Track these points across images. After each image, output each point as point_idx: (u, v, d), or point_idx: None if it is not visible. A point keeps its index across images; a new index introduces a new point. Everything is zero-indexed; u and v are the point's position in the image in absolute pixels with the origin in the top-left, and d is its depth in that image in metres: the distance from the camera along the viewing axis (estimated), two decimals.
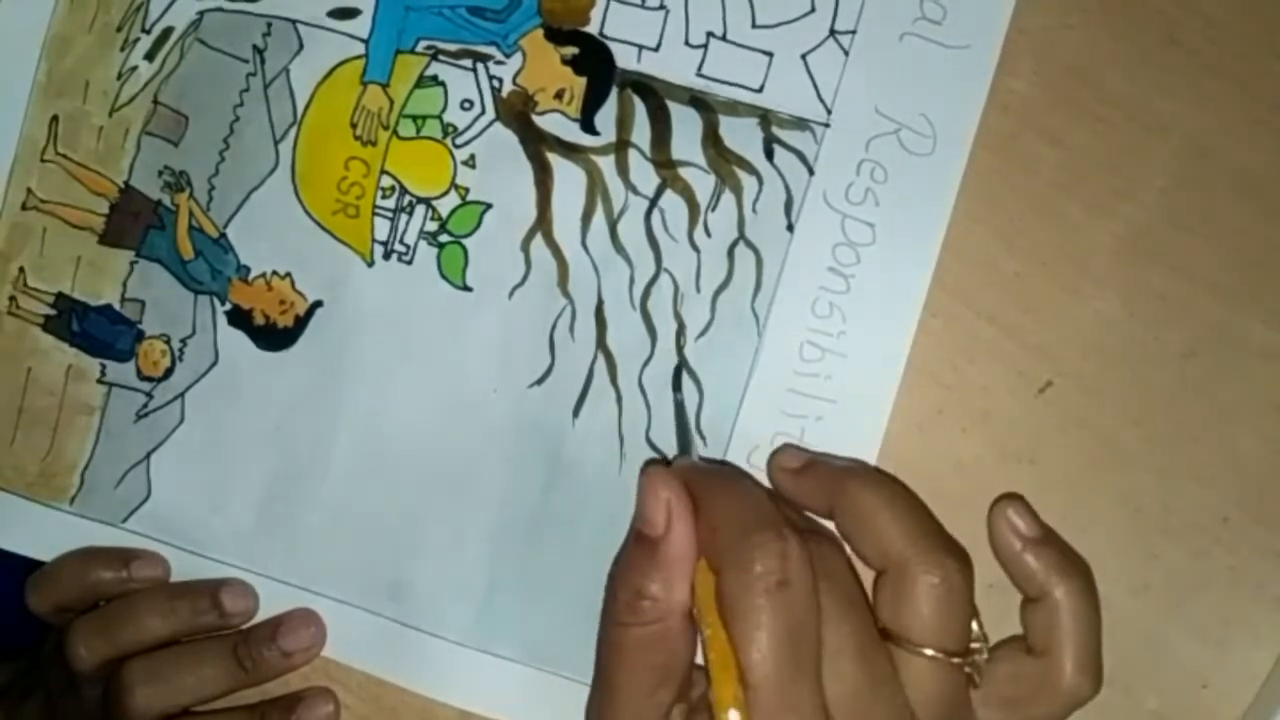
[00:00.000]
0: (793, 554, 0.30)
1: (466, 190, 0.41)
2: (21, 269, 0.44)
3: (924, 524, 0.33)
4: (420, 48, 0.41)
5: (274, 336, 0.43)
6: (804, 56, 0.39)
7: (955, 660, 0.32)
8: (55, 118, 0.44)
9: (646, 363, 0.40)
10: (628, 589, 0.32)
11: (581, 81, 0.40)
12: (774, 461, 0.37)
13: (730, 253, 0.40)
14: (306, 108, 0.42)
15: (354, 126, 0.42)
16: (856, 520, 0.34)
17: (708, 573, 0.32)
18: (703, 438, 0.40)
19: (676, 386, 0.40)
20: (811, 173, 0.39)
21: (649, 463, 0.40)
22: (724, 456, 0.39)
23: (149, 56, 0.43)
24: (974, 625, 0.33)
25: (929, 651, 0.32)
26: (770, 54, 0.39)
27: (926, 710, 0.31)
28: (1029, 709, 0.34)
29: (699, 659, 0.32)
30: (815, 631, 0.30)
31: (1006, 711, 0.34)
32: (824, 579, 0.31)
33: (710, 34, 0.40)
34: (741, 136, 0.40)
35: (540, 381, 0.41)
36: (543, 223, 0.41)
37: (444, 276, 0.42)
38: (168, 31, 0.43)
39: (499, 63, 0.41)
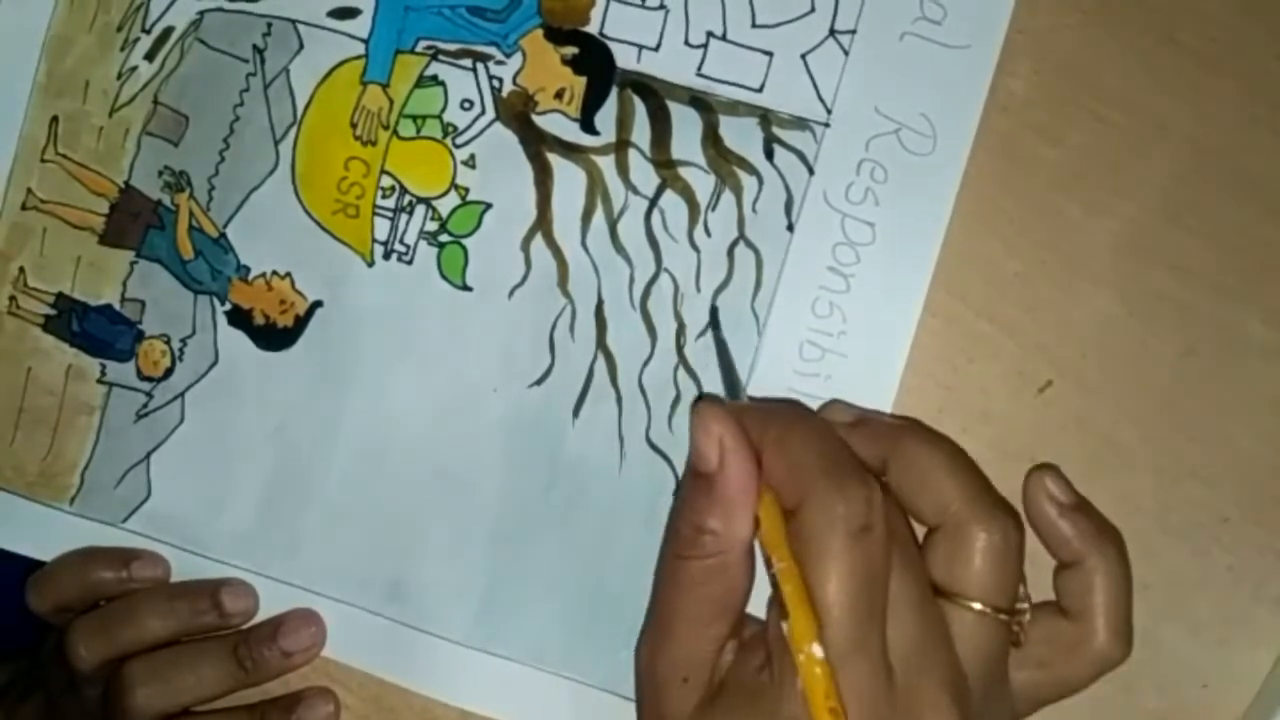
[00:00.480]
0: (876, 500, 0.31)
1: (466, 190, 0.41)
2: (21, 269, 0.44)
3: (980, 482, 0.34)
4: (420, 47, 0.42)
5: (274, 336, 0.43)
6: (804, 56, 0.39)
7: (1003, 617, 0.32)
8: (55, 118, 0.44)
9: (646, 362, 0.40)
10: (688, 524, 0.33)
11: (581, 81, 0.40)
12: (824, 414, 0.37)
13: (730, 252, 0.40)
14: (306, 108, 0.42)
15: (354, 126, 0.42)
16: (913, 476, 0.34)
17: (773, 507, 0.32)
18: None
19: (715, 324, 0.40)
20: (811, 172, 0.39)
21: (699, 398, 0.40)
22: None
23: (149, 56, 0.43)
24: (1020, 587, 0.34)
25: (979, 606, 0.32)
26: (770, 54, 0.39)
27: (972, 664, 0.32)
28: (1061, 670, 0.34)
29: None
30: (887, 579, 0.31)
31: (1038, 672, 0.34)
32: (893, 531, 0.32)
33: (710, 34, 0.40)
34: (741, 136, 0.40)
35: (540, 381, 0.41)
36: (543, 223, 0.41)
37: (444, 276, 0.42)
38: (168, 31, 0.43)
39: (499, 62, 0.41)
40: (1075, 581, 0.35)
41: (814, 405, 0.39)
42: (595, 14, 0.40)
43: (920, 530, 0.34)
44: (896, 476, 0.34)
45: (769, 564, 0.32)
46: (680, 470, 0.40)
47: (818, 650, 0.30)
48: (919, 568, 0.32)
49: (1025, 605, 0.34)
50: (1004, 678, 0.34)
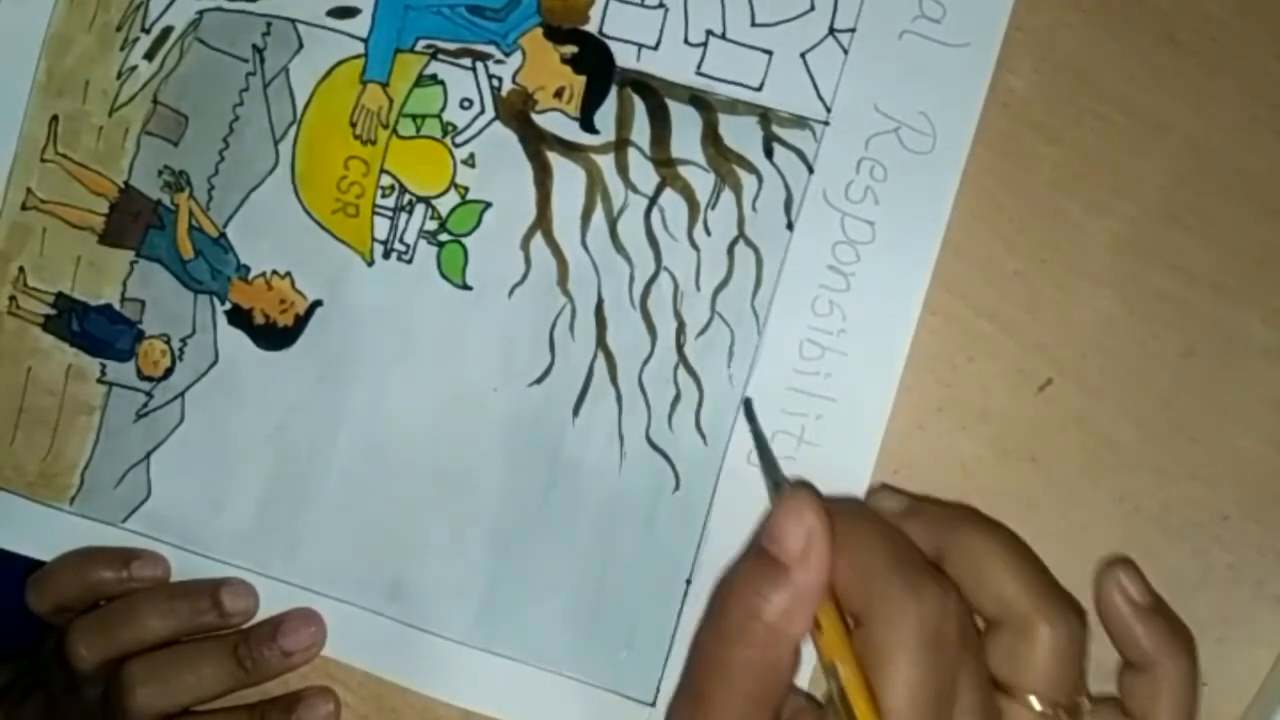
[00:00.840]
0: (951, 608, 0.30)
1: (466, 189, 0.41)
2: (21, 269, 0.45)
3: (1042, 575, 0.33)
4: (420, 47, 0.42)
5: (274, 336, 0.43)
6: (803, 55, 0.39)
7: (1063, 716, 0.32)
8: (55, 117, 0.44)
9: (646, 361, 0.40)
10: (743, 609, 0.31)
11: (581, 80, 0.40)
12: (872, 502, 0.37)
13: (730, 251, 0.40)
14: (306, 107, 0.42)
15: (354, 126, 0.42)
16: (971, 568, 0.33)
17: (835, 611, 0.31)
18: (703, 437, 0.40)
19: (751, 416, 0.39)
20: (811, 171, 0.39)
21: (793, 484, 0.37)
22: (724, 456, 0.39)
23: (149, 56, 0.43)
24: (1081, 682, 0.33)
25: (1038, 705, 0.31)
26: (770, 52, 0.39)
27: None
28: None
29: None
30: (955, 688, 0.30)
31: None
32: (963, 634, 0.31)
33: (710, 32, 0.40)
34: (741, 135, 0.40)
35: (540, 380, 0.41)
36: (542, 221, 0.41)
37: (444, 275, 0.42)
38: (167, 31, 0.43)
39: (498, 61, 0.41)
40: (1143, 685, 0.34)
41: (814, 404, 0.39)
42: (595, 13, 0.40)
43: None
44: (954, 569, 0.33)
45: (829, 671, 0.31)
46: (682, 471, 0.40)
47: None
48: (983, 668, 0.31)
49: (1086, 704, 0.33)
50: None
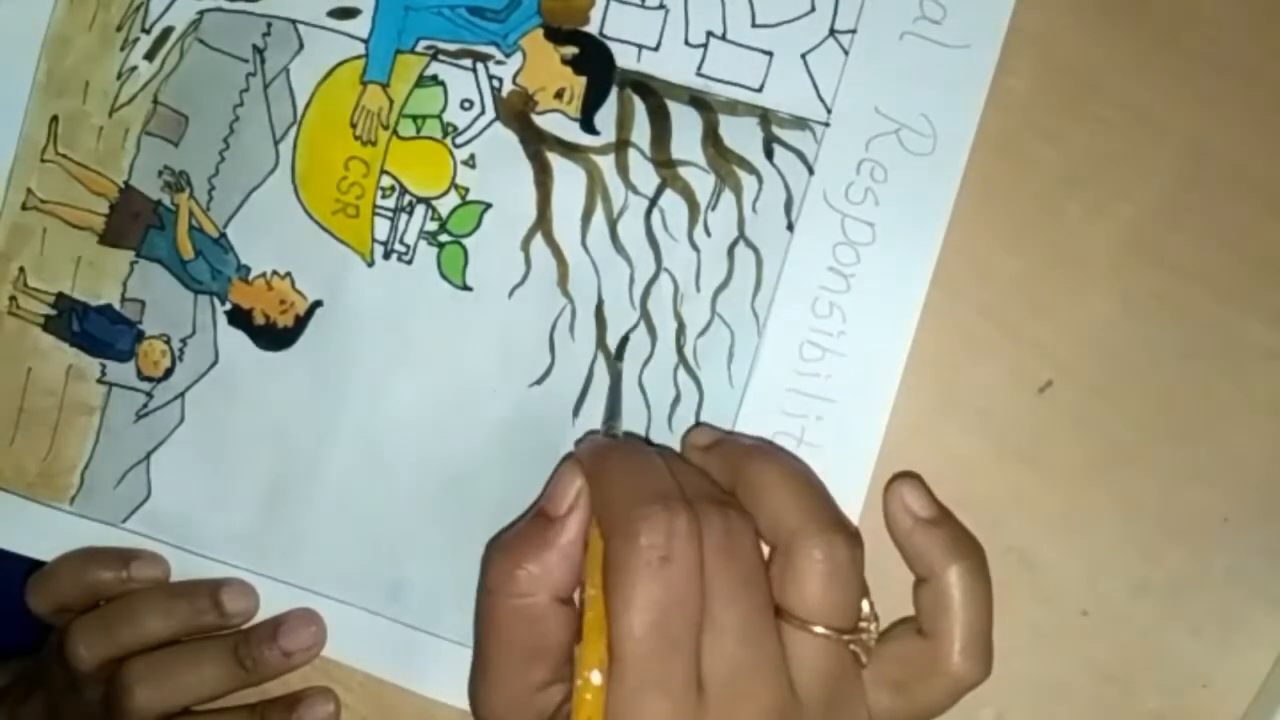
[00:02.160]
0: (679, 529, 0.31)
1: (466, 190, 0.41)
2: (21, 269, 0.44)
3: (816, 501, 0.33)
4: (420, 47, 0.41)
5: (274, 336, 0.43)
6: (804, 56, 0.39)
7: (843, 638, 0.32)
8: (55, 118, 0.44)
9: (646, 362, 0.40)
10: (508, 558, 0.33)
11: (581, 81, 0.40)
12: (686, 439, 0.38)
13: (730, 252, 0.40)
14: (306, 107, 0.42)
15: (354, 126, 0.42)
16: (752, 495, 0.34)
17: (596, 537, 0.33)
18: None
19: (619, 355, 0.40)
20: (811, 172, 0.39)
21: (581, 440, 0.40)
22: None
23: (149, 56, 0.43)
24: (865, 605, 0.33)
25: (817, 628, 0.32)
26: (770, 53, 0.39)
27: (813, 687, 0.32)
28: (916, 693, 0.34)
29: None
30: (694, 608, 0.30)
31: (895, 693, 0.34)
32: (724, 555, 0.31)
33: (710, 33, 0.40)
34: (741, 136, 0.40)
35: (540, 381, 0.41)
36: (543, 222, 0.41)
37: (444, 276, 0.42)
38: (167, 31, 0.43)
39: (499, 62, 0.41)
40: (930, 597, 0.34)
41: (814, 405, 0.39)
42: (595, 14, 0.40)
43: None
44: (741, 496, 0.34)
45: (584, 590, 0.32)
46: None
47: (595, 677, 0.30)
48: (753, 593, 0.32)
49: (868, 624, 0.33)
50: (853, 700, 0.33)
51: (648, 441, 0.40)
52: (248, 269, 0.43)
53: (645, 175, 0.40)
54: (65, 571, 0.43)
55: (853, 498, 0.38)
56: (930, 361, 0.39)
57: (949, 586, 0.34)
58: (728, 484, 0.35)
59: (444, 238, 0.42)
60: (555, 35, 0.41)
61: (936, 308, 0.38)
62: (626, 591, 0.30)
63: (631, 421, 0.40)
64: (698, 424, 0.39)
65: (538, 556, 0.33)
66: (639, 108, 0.40)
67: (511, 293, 0.41)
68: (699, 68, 0.40)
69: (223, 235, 0.43)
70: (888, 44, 0.39)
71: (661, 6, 0.40)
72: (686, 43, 0.40)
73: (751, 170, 0.40)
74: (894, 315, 0.38)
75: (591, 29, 0.40)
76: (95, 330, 0.44)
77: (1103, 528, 0.38)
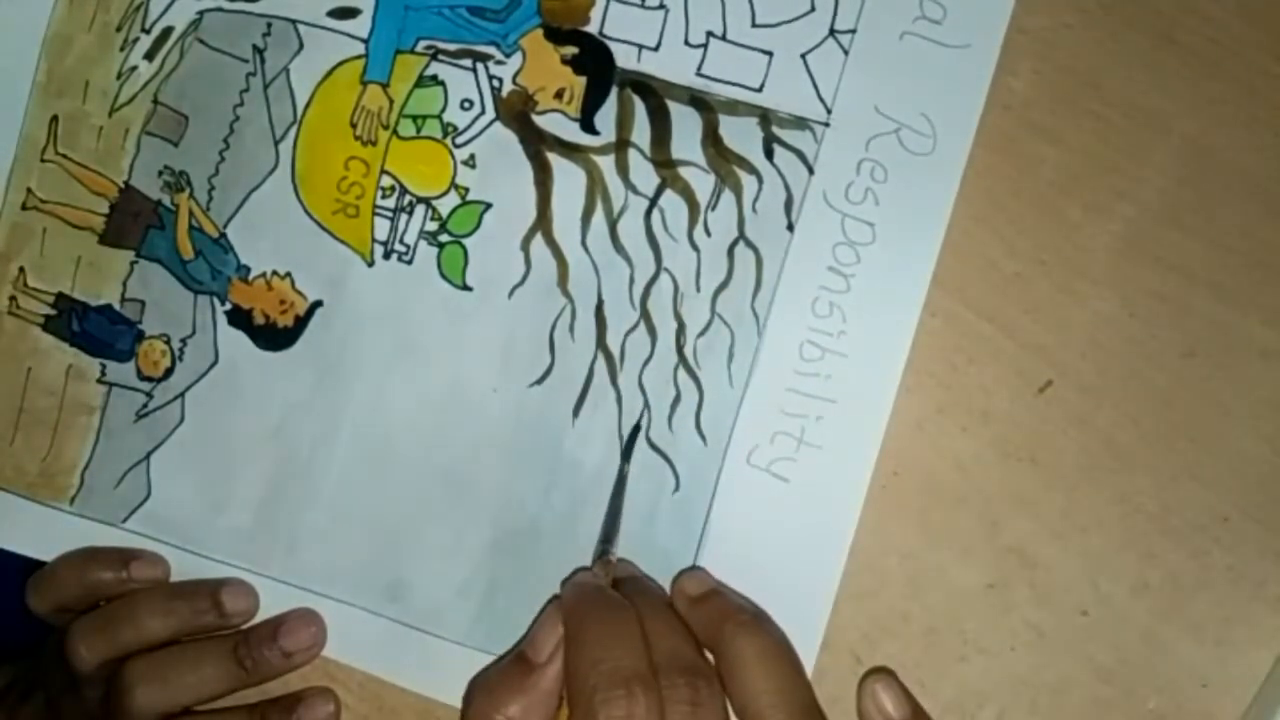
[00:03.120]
0: (637, 715, 0.32)
1: (466, 190, 0.41)
2: (21, 269, 0.44)
3: (789, 685, 0.34)
4: (420, 47, 0.42)
5: (274, 336, 0.43)
6: (804, 56, 0.39)
7: None
8: (55, 118, 0.44)
9: (646, 362, 0.40)
10: (489, 700, 0.35)
11: (581, 81, 0.40)
12: (677, 582, 0.38)
13: (730, 252, 0.40)
14: (306, 107, 0.42)
15: (354, 126, 0.42)
16: (728, 666, 0.34)
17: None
18: (703, 437, 0.40)
19: (626, 456, 0.40)
20: (811, 172, 0.39)
21: (570, 578, 0.40)
22: (724, 456, 0.39)
23: (149, 56, 0.43)
24: None
25: None
26: (770, 53, 0.39)
27: None
28: None
29: None
30: None
31: None
32: None
33: (710, 33, 0.40)
34: (741, 136, 0.40)
35: (540, 381, 0.41)
36: (542, 222, 0.41)
37: (444, 276, 0.42)
38: (167, 31, 0.43)
39: (499, 62, 0.41)
40: None
41: (814, 405, 0.39)
42: (595, 14, 0.40)
43: None
44: (718, 662, 0.34)
45: None
46: (682, 471, 0.40)
47: None
48: None
49: None
50: None
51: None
52: (248, 269, 0.43)
53: (645, 175, 0.40)
54: (65, 571, 0.43)
55: (852, 498, 0.38)
56: (930, 361, 0.39)
57: None
58: (707, 642, 0.35)
59: (444, 238, 0.42)
60: (555, 35, 0.41)
61: (936, 307, 0.38)
62: None
63: (631, 421, 0.40)
64: (693, 569, 0.39)
65: (517, 700, 0.35)
66: (639, 108, 0.40)
67: (511, 293, 0.41)
68: (699, 68, 0.40)
69: (223, 235, 0.43)
70: (888, 44, 0.39)
71: (661, 6, 0.40)
72: (686, 43, 0.40)
73: (751, 170, 0.40)
74: (894, 315, 0.38)
75: (591, 29, 0.40)
76: (95, 330, 0.44)
77: (1103, 528, 0.38)
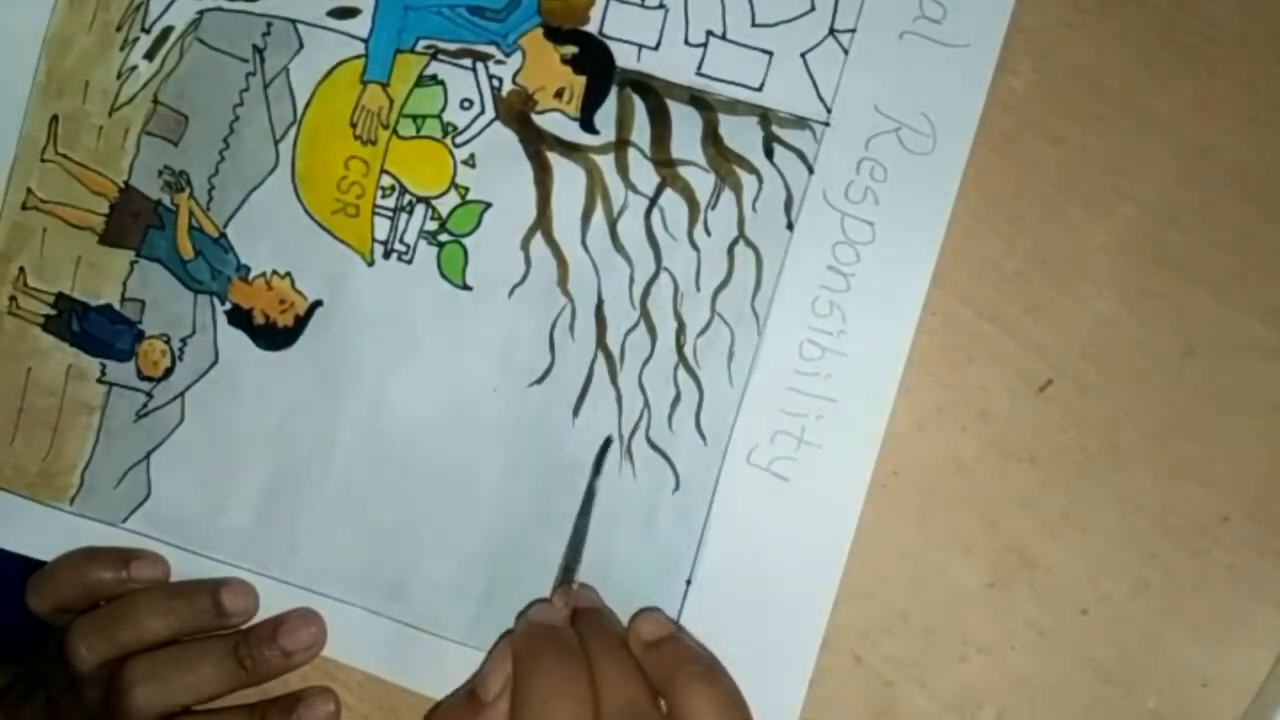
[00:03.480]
0: None
1: (466, 189, 0.41)
2: (21, 269, 0.44)
3: None
4: (420, 47, 0.42)
5: (274, 336, 0.43)
6: (804, 55, 0.39)
7: None
8: (55, 117, 0.44)
9: (646, 362, 0.40)
10: None
11: (581, 80, 0.40)
12: (633, 623, 0.38)
13: (730, 251, 0.40)
14: (306, 107, 0.42)
15: (354, 126, 0.42)
16: (678, 716, 0.34)
17: None
18: (703, 437, 0.40)
19: (597, 469, 0.40)
20: (811, 171, 0.39)
21: (524, 613, 0.39)
22: (724, 456, 0.39)
23: (149, 56, 0.43)
24: None
25: None
26: (770, 53, 0.39)
27: None
28: None
29: None
30: None
31: None
32: None
33: (710, 33, 0.40)
34: (741, 135, 0.40)
35: (540, 381, 0.41)
36: (542, 222, 0.41)
37: (444, 276, 0.42)
38: (167, 31, 0.43)
39: (499, 62, 0.41)
40: None
41: (814, 404, 0.39)
42: (595, 13, 0.40)
43: None
44: (670, 711, 0.35)
45: None
46: (681, 471, 0.40)
47: None
48: None
49: None
50: None
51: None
52: (248, 269, 0.43)
53: (645, 175, 0.40)
54: (65, 571, 0.43)
55: (852, 497, 0.38)
56: (930, 361, 0.39)
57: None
58: (660, 688, 0.35)
59: (444, 237, 0.42)
60: (555, 35, 0.41)
61: (936, 307, 0.38)
62: None
63: (632, 421, 0.40)
64: (647, 610, 0.39)
65: None
66: (639, 107, 0.40)
67: (511, 292, 0.41)
68: (699, 67, 0.40)
69: (223, 235, 0.43)
70: (888, 43, 0.39)
71: (661, 6, 0.40)
72: (686, 42, 0.40)
73: (751, 170, 0.40)
74: (894, 315, 0.38)
75: (591, 28, 0.40)
76: (95, 330, 0.44)
77: (1103, 528, 0.38)
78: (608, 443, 0.40)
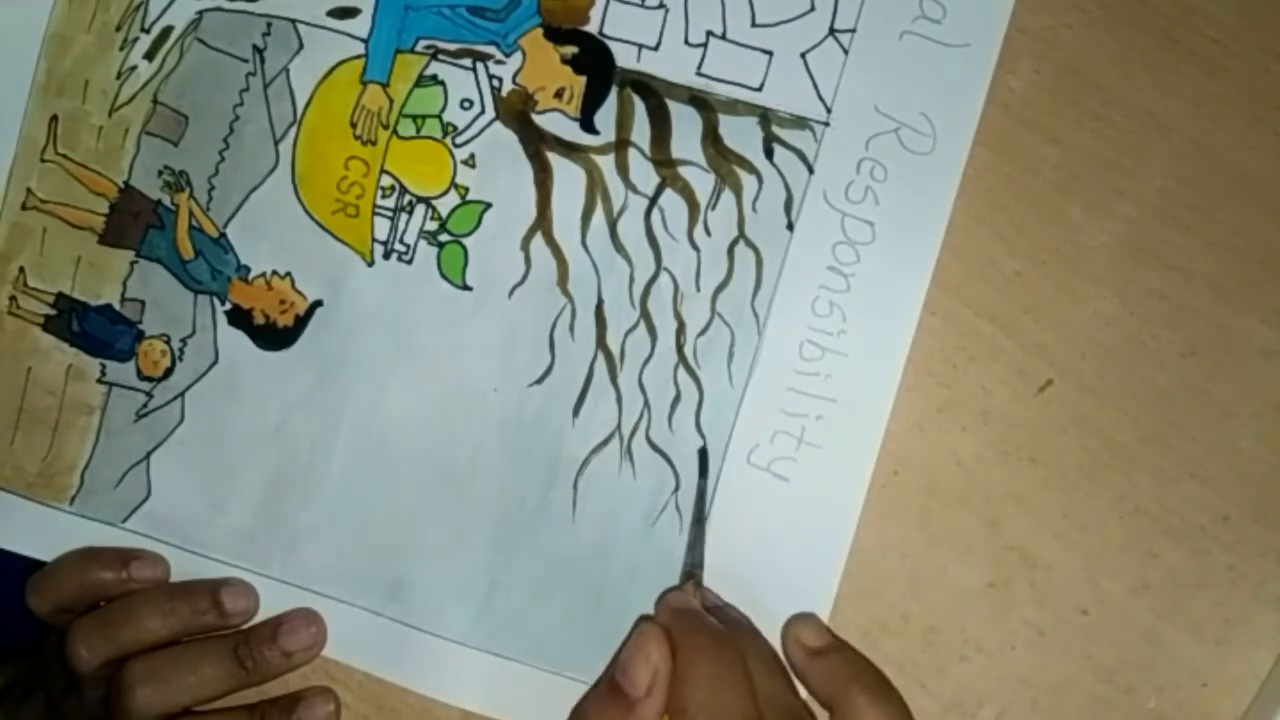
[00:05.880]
0: None
1: (466, 189, 0.41)
2: (21, 269, 0.44)
3: None
4: (420, 47, 0.41)
5: (274, 336, 0.43)
6: (804, 55, 0.39)
7: None
8: (55, 117, 0.44)
9: (646, 362, 0.40)
10: None
11: (581, 80, 0.40)
12: (792, 632, 0.37)
13: (730, 252, 0.40)
14: (306, 107, 0.42)
15: (354, 126, 0.42)
16: None
17: None
18: (703, 437, 0.40)
19: (703, 471, 0.39)
20: (811, 171, 0.39)
21: (643, 619, 0.38)
22: (724, 456, 0.39)
23: (148, 56, 0.43)
24: None
25: None
26: (770, 53, 0.39)
27: None
28: None
29: None
30: None
31: None
32: None
33: (710, 33, 0.40)
34: (741, 135, 0.40)
35: (540, 381, 0.41)
36: (542, 222, 0.41)
37: (444, 276, 0.42)
38: (167, 31, 0.43)
39: (499, 62, 0.41)
40: None
41: (814, 404, 0.39)
42: (595, 13, 0.40)
43: None
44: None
45: None
46: (681, 471, 0.40)
47: None
48: None
49: None
50: None
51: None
52: (248, 269, 0.43)
53: (645, 175, 0.40)
54: (65, 572, 0.43)
55: (853, 497, 0.38)
56: (930, 361, 0.39)
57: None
58: (826, 695, 0.34)
59: (444, 237, 0.42)
60: (555, 35, 0.41)
61: (936, 307, 0.38)
62: None
63: (632, 421, 0.40)
64: (805, 615, 0.38)
65: None
66: (639, 107, 0.40)
67: (511, 292, 0.41)
68: (699, 67, 0.40)
69: (223, 235, 0.43)
70: (887, 43, 0.39)
71: (661, 6, 0.40)
72: (686, 42, 0.40)
73: (751, 170, 0.40)
74: (894, 315, 0.38)
75: (591, 28, 0.40)
76: (95, 330, 0.44)
77: (1103, 528, 0.38)
78: (704, 450, 0.39)
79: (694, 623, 0.35)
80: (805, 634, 0.37)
